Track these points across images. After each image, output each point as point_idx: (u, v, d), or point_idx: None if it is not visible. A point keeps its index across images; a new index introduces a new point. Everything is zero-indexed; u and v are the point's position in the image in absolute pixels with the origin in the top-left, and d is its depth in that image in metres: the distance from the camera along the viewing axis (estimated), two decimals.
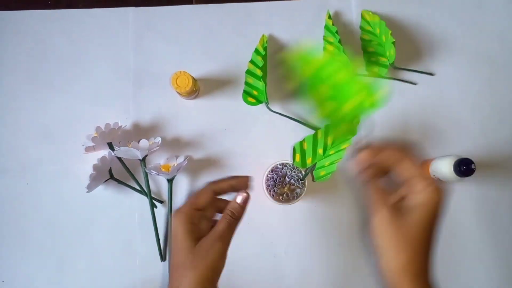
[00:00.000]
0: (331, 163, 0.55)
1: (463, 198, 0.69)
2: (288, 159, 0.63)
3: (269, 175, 0.63)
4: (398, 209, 0.44)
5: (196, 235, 0.46)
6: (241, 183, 0.49)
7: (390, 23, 0.73)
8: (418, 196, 0.43)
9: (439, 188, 0.43)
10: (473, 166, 0.58)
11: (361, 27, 0.72)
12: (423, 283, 0.43)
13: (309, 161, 0.57)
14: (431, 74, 0.72)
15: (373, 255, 0.47)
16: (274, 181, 0.62)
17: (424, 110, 0.71)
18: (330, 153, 0.56)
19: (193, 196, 0.49)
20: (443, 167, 0.61)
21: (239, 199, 0.49)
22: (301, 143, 0.57)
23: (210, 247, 0.45)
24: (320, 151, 0.57)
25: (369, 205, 0.46)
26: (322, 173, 0.56)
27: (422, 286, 0.43)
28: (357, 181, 0.50)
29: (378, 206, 0.45)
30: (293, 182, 0.62)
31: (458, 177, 0.59)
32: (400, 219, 0.43)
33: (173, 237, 0.46)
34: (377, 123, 0.70)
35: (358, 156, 0.46)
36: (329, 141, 0.57)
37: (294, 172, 0.62)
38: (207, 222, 0.49)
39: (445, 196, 0.43)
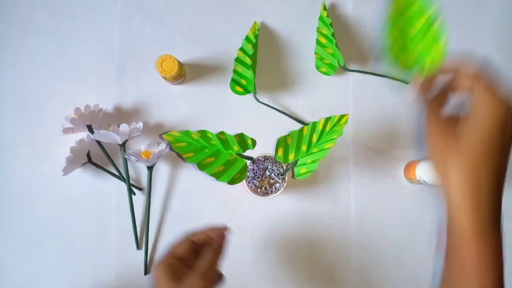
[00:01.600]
0: (313, 162, 0.53)
1: None
2: (271, 152, 0.61)
3: (249, 167, 0.61)
4: (455, 125, 0.37)
5: (176, 277, 0.46)
6: (218, 235, 0.50)
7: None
8: (474, 114, 0.36)
9: (500, 103, 0.35)
10: None
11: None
12: (484, 228, 0.35)
13: (291, 156, 0.55)
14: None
15: None
16: (254, 173, 0.61)
17: (415, 109, 0.70)
18: (314, 151, 0.55)
19: (172, 247, 0.49)
20: (430, 170, 0.60)
21: (223, 239, 0.50)
22: (285, 137, 0.55)
23: (194, 285, 0.45)
24: (304, 147, 0.55)
25: (424, 126, 0.39)
26: (303, 170, 0.54)
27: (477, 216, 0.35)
28: (415, 105, 0.43)
29: (431, 120, 0.38)
30: (273, 176, 0.61)
31: None
32: (455, 136, 0.36)
33: (156, 286, 0.46)
34: (367, 120, 0.69)
35: (423, 78, 0.40)
36: (314, 139, 0.55)
37: (275, 166, 0.61)
38: (188, 269, 0.48)
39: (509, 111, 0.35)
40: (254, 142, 0.53)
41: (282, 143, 0.54)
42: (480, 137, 0.35)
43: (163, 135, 0.53)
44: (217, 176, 0.52)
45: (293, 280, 0.66)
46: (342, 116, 0.55)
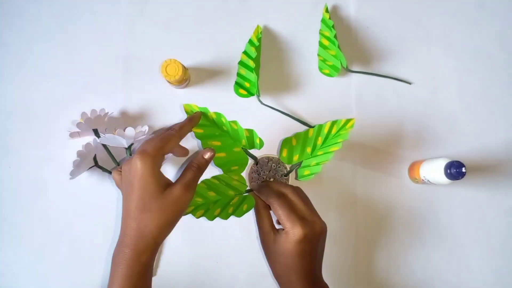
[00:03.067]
0: (317, 164, 0.54)
1: (453, 201, 0.68)
2: (274, 154, 0.62)
3: (253, 167, 0.61)
4: (275, 234, 0.52)
5: (162, 181, 0.47)
6: (196, 119, 0.54)
7: (388, 20, 0.71)
8: (285, 233, 0.50)
9: (293, 230, 0.49)
10: (463, 170, 0.56)
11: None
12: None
13: (295, 158, 0.55)
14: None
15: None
16: (258, 174, 0.61)
17: (418, 110, 0.70)
18: (318, 153, 0.55)
19: (160, 140, 0.49)
20: (434, 169, 0.60)
21: (207, 155, 0.52)
22: (290, 138, 0.55)
23: (181, 195, 0.46)
24: (308, 149, 0.55)
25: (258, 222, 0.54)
26: (307, 172, 0.55)
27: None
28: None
29: (264, 227, 0.53)
30: (277, 177, 0.61)
31: (449, 180, 0.58)
32: (274, 243, 0.51)
33: (136, 178, 0.45)
34: (370, 120, 0.69)
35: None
36: (319, 142, 0.55)
37: (279, 167, 0.61)
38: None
39: (301, 235, 0.49)
40: (261, 143, 0.54)
41: (287, 144, 0.55)
42: (286, 254, 0.50)
43: (183, 105, 0.53)
44: (216, 160, 0.53)
45: None
46: (348, 120, 0.55)
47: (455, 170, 0.57)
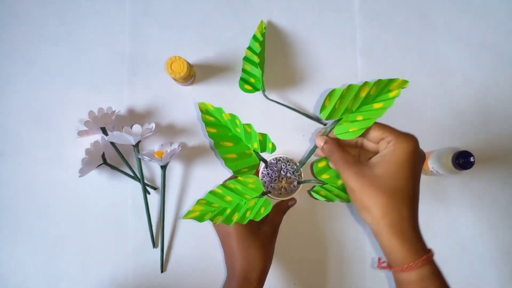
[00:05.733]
0: (365, 119, 0.46)
1: (462, 192, 0.67)
2: (281, 153, 0.62)
3: (264, 172, 0.61)
4: (364, 165, 0.44)
5: (252, 224, 0.55)
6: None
7: (393, 11, 0.71)
8: (386, 149, 0.44)
9: (406, 138, 0.43)
10: (472, 159, 0.56)
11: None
12: (402, 236, 0.41)
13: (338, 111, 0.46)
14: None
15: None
16: (270, 177, 0.61)
17: (426, 102, 0.69)
18: (359, 113, 0.47)
19: None
20: (442, 159, 0.59)
21: (290, 202, 0.63)
22: (340, 90, 0.45)
23: (271, 234, 0.59)
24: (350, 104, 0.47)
25: (338, 171, 0.46)
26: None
27: (401, 238, 0.41)
28: (324, 154, 0.50)
29: (343, 167, 0.45)
30: (289, 175, 0.61)
31: (457, 170, 0.57)
32: (367, 173, 0.43)
33: (232, 228, 0.55)
34: None
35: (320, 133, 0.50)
36: (362, 94, 0.47)
37: (289, 165, 0.61)
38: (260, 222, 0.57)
39: (415, 144, 0.43)
40: (274, 147, 0.53)
41: (335, 94, 0.46)
42: (396, 169, 0.41)
43: (198, 103, 0.54)
44: (226, 161, 0.53)
45: (310, 274, 0.66)
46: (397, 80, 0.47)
47: (463, 160, 0.56)
